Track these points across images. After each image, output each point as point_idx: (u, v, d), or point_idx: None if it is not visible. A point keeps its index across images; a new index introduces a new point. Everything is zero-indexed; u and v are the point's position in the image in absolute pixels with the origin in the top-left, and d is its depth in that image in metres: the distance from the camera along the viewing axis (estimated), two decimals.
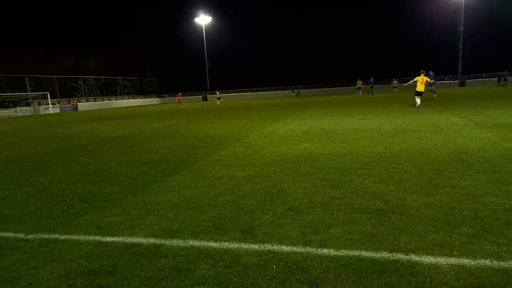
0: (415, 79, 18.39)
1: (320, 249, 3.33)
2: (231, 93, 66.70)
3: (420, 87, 18.12)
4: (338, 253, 3.23)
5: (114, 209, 4.88)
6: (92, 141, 12.98)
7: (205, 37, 66.07)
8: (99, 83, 68.52)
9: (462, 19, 52.48)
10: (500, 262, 2.92)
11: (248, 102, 43.60)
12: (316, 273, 2.92)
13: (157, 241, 3.73)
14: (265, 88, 65.66)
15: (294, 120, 15.97)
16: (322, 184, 5.47)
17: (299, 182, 5.66)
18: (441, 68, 59.86)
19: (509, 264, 2.89)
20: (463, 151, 7.16)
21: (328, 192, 5.05)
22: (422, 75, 18.27)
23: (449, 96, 27.13)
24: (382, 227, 3.75)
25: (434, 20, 63.39)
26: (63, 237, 4.02)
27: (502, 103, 17.37)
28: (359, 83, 44.89)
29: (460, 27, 52.83)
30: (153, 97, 73.70)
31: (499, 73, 39.94)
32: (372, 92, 42.65)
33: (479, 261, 2.96)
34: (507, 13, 57.96)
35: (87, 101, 62.22)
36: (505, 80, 38.01)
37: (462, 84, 50.32)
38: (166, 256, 3.38)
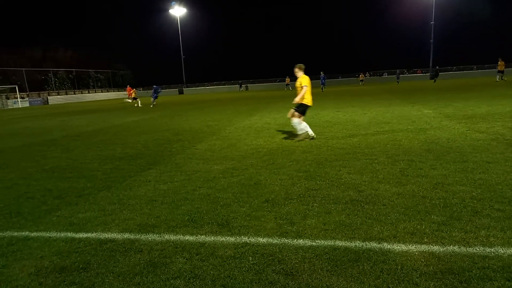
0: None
1: (295, 240, 3.37)
2: (207, 86, 66.14)
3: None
4: (313, 243, 3.28)
5: (87, 204, 4.77)
6: (64, 135, 12.60)
7: (180, 29, 65.06)
8: (70, 76, 66.40)
9: (433, 13, 53.83)
10: (467, 248, 3.04)
11: (226, 96, 43.36)
12: (292, 264, 2.95)
13: (132, 236, 3.67)
14: (242, 81, 65.46)
15: (271, 113, 16.01)
16: (298, 176, 5.52)
17: (275, 175, 5.69)
18: (413, 62, 61.43)
19: (476, 249, 3.01)
20: (433, 142, 7.39)
21: (304, 184, 5.10)
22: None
23: (420, 89, 27.85)
24: (356, 217, 3.83)
25: (406, 14, 64.78)
26: (33, 234, 3.90)
27: (469, 96, 18.00)
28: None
29: (431, 21, 54.17)
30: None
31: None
32: (323, 88, 37.38)
33: (448, 247, 3.08)
34: (476, 8, 59.97)
35: (58, 94, 60.24)
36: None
37: (432, 77, 51.72)
38: (141, 251, 3.34)
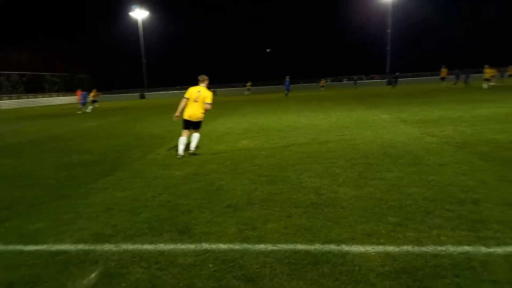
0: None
1: (257, 245, 3.37)
2: (171, 90, 65.02)
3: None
4: (275, 247, 3.29)
5: (39, 215, 4.52)
6: (17, 142, 11.92)
7: (143, 32, 63.67)
8: (23, 79, 63.03)
9: (390, 21, 56.30)
10: (420, 248, 3.17)
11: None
12: (253, 269, 2.94)
13: (87, 247, 3.52)
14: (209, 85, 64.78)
15: (233, 118, 16.01)
16: (260, 181, 5.54)
17: (238, 179, 5.68)
18: (371, 68, 63.84)
19: (428, 248, 3.14)
20: (390, 145, 7.68)
21: (266, 188, 5.12)
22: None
23: (377, 94, 28.94)
24: (316, 220, 3.89)
25: (364, 22, 67.33)
26: None
27: (423, 101, 18.90)
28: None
29: (388, 29, 56.60)
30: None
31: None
32: (287, 93, 35.73)
33: (402, 247, 3.19)
34: (430, 17, 63.59)
35: (9, 99, 56.93)
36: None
37: (389, 83, 53.89)
38: (96, 262, 3.20)
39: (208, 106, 7.82)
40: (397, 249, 3.15)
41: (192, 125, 8.00)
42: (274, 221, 3.91)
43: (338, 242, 3.34)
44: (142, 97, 63.21)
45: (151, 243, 3.54)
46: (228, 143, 9.26)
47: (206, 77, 8.18)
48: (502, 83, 31.67)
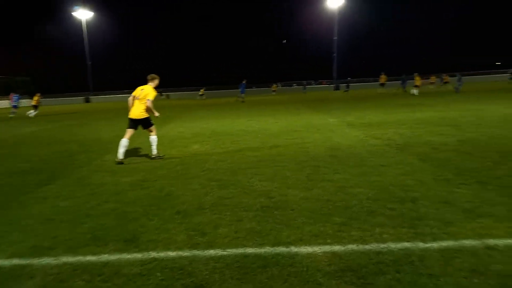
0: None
1: (206, 250, 3.33)
2: (118, 94, 62.66)
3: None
4: (224, 252, 3.27)
5: None
6: None
7: (88, 33, 60.88)
8: None
9: (336, 29, 58.67)
10: (364, 246, 3.30)
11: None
12: (202, 276, 2.90)
13: (23, 261, 3.27)
14: (162, 89, 63.27)
15: (185, 122, 15.77)
16: (211, 185, 5.49)
17: (188, 185, 5.59)
18: (319, 74, 65.99)
19: (371, 246, 3.29)
20: (337, 148, 7.96)
21: (217, 193, 5.09)
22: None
23: (325, 99, 29.94)
24: (266, 223, 3.93)
25: (313, 28, 69.69)
26: None
27: (368, 106, 19.85)
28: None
29: (334, 37, 58.94)
30: (26, 98, 65.06)
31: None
32: (241, 98, 33.45)
33: (348, 246, 3.31)
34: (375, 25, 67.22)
35: None
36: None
37: (337, 88, 55.96)
38: (33, 277, 2.99)
39: (148, 103, 7.49)
40: (342, 248, 3.26)
41: (138, 124, 7.74)
42: (224, 226, 3.89)
43: (287, 244, 3.40)
44: (87, 101, 60.32)
45: (94, 254, 3.36)
46: (178, 148, 9.10)
47: (155, 76, 7.83)
48: (439, 88, 34.10)
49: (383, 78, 36.19)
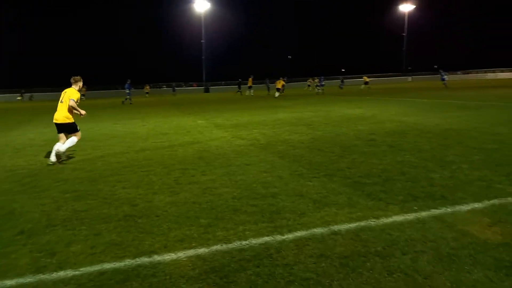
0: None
1: (55, 273, 2.94)
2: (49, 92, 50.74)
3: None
4: (77, 272, 2.94)
5: None
6: None
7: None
8: None
9: (203, 32, 59.48)
10: (228, 245, 3.38)
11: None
12: None
13: None
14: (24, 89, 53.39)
15: (36, 128, 13.86)
16: (65, 198, 4.92)
17: (36, 199, 4.90)
18: (189, 76, 66.21)
19: (234, 245, 3.38)
20: (205, 149, 8.03)
21: (72, 206, 4.58)
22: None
23: (195, 101, 30.09)
24: (128, 233, 3.69)
25: (182, 31, 69.44)
26: None
27: (235, 107, 20.68)
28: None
29: (202, 40, 59.69)
30: None
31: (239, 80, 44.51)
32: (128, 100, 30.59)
33: (212, 247, 3.34)
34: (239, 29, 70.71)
35: None
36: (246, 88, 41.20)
37: (206, 90, 56.76)
38: None
39: (71, 102, 7.07)
40: (207, 250, 3.28)
41: (62, 129, 7.36)
42: (78, 242, 3.51)
43: (150, 253, 3.25)
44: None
45: None
46: (27, 157, 7.94)
47: (78, 78, 7.48)
48: (323, 91, 35.55)
49: (250, 81, 38.16)
